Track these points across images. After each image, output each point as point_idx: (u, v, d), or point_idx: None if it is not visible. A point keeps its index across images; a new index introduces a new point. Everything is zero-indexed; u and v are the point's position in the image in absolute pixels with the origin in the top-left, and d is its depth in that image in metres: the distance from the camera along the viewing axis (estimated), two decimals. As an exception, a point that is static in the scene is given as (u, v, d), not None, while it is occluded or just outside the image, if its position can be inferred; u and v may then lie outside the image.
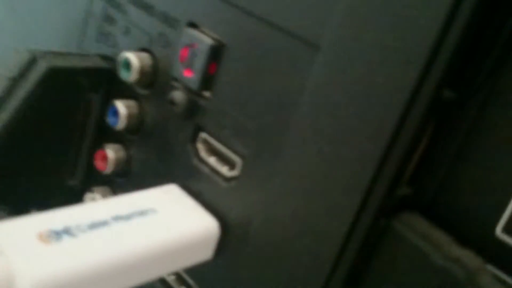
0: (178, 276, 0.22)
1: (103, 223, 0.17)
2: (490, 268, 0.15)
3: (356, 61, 0.15)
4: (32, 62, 0.21)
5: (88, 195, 0.25)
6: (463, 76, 0.15)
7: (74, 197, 0.26)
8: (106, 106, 0.24)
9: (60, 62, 0.22)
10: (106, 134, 0.24)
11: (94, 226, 0.17)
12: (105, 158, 0.24)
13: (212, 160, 0.21)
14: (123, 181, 0.24)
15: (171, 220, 0.19)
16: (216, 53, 0.19)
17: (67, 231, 0.16)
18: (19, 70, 0.21)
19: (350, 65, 0.15)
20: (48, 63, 0.21)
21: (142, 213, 0.19)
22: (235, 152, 0.20)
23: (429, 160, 0.16)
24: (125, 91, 0.23)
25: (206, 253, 0.20)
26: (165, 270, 0.19)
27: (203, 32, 0.20)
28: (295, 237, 0.17)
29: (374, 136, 0.15)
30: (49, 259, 0.15)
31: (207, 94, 0.20)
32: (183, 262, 0.19)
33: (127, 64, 0.22)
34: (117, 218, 0.18)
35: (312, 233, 0.17)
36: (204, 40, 0.19)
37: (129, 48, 0.23)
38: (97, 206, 0.18)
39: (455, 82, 0.15)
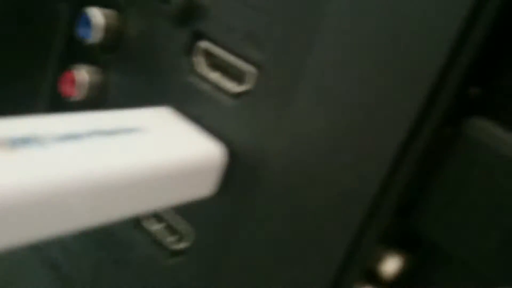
0: (168, 224, 0.19)
1: (78, 136, 0.13)
2: None
3: None
4: None
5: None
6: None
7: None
8: (77, 16, 0.19)
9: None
10: (77, 53, 0.20)
11: (67, 137, 0.13)
12: (74, 81, 0.19)
13: (215, 76, 0.17)
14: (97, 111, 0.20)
15: (164, 140, 0.15)
16: None
17: (33, 139, 0.12)
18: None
19: None
20: None
21: (128, 130, 0.15)
22: (247, 60, 0.16)
23: (501, 59, 0.13)
24: (100, -2, 0.19)
25: (208, 186, 0.16)
26: (156, 201, 0.15)
27: None
28: (331, 154, 0.14)
29: (447, 14, 0.12)
30: (6, 168, 0.11)
31: (210, -12, 0.16)
32: (179, 194, 0.15)
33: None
34: (97, 133, 0.14)
35: (355, 146, 0.13)
36: None
37: None
38: (72, 118, 0.14)
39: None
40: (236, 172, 0.16)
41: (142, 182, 0.14)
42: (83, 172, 0.12)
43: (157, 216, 0.19)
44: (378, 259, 0.14)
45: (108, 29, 0.19)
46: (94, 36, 0.19)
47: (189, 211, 0.17)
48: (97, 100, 0.20)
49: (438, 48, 0.12)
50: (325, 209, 0.14)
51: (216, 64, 0.17)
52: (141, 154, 0.14)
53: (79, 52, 0.20)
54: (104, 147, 0.14)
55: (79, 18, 0.19)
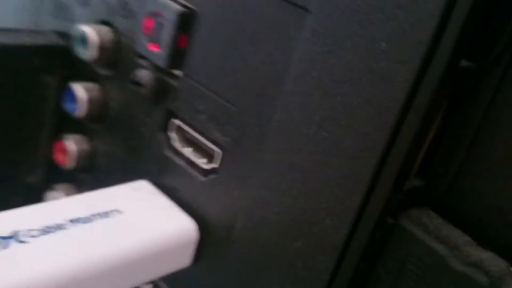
0: (155, 285, 0.20)
1: (57, 227, 0.15)
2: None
3: (352, 25, 0.13)
4: (-30, 40, 0.19)
5: (49, 194, 0.22)
6: (481, 45, 0.13)
7: (34, 196, 0.23)
8: (64, 90, 0.21)
9: (9, 39, 0.20)
10: (68, 123, 0.22)
11: (47, 230, 0.15)
12: (65, 150, 0.21)
13: (187, 151, 0.18)
14: (88, 177, 0.22)
15: (141, 222, 0.17)
16: (185, 22, 0.17)
17: (15, 237, 0.14)
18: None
19: (345, 30, 0.13)
20: (-9, 41, 0.19)
21: (105, 214, 0.17)
22: (213, 141, 0.17)
23: (442, 147, 0.14)
24: (85, 73, 0.21)
25: (183, 260, 0.18)
26: (134, 280, 0.17)
27: (170, -2, 0.18)
28: (286, 240, 0.15)
29: (377, 118, 0.13)
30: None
31: (178, 71, 0.18)
32: (156, 270, 0.17)
33: (84, 39, 0.20)
34: (75, 221, 0.16)
35: (306, 235, 0.15)
36: (171, 7, 0.17)
37: (88, 21, 0.21)
38: (51, 207, 0.16)
39: (472, 51, 0.13)
40: (208, 244, 0.18)
41: (121, 266, 0.16)
42: (66, 265, 0.14)
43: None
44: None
45: (91, 102, 0.21)
46: (79, 109, 0.20)
47: (170, 278, 0.19)
48: (87, 166, 0.22)
49: (371, 150, 0.13)
50: (283, 286, 0.15)
51: (190, 139, 0.18)
52: (118, 240, 0.16)
53: (70, 122, 0.22)
54: (84, 236, 0.15)
55: (65, 92, 0.21)
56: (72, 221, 0.16)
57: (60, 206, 0.17)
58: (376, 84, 0.13)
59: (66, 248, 0.15)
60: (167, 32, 0.17)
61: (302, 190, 0.14)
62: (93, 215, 0.16)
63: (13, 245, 0.14)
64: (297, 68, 0.14)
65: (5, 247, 0.14)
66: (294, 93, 0.14)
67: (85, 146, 0.22)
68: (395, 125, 0.13)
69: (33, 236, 0.15)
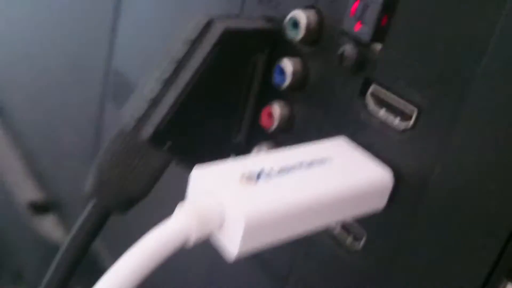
0: (345, 226, 0.24)
1: (290, 168, 0.20)
2: None
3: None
4: (209, 25, 0.24)
5: (255, 151, 0.27)
6: None
7: (239, 154, 0.28)
8: (270, 65, 0.26)
9: (234, 24, 0.25)
10: (270, 93, 0.27)
11: (283, 170, 0.19)
12: (270, 115, 0.26)
13: (382, 113, 0.22)
14: (287, 137, 0.26)
15: (347, 168, 0.21)
16: (389, 3, 0.20)
17: (263, 174, 0.19)
18: (197, 32, 0.24)
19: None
20: (224, 25, 0.24)
21: (321, 161, 0.21)
22: (410, 102, 0.20)
23: None
24: (289, 50, 0.25)
25: (379, 203, 0.21)
26: (341, 215, 0.21)
27: (376, -18, 0.21)
28: (482, 184, 0.18)
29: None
30: (253, 197, 0.17)
31: (378, 45, 0.21)
32: (357, 209, 0.21)
33: (295, 23, 0.24)
34: (301, 165, 0.20)
35: (500, 178, 0.17)
36: (378, -10, 0.20)
37: (294, 6, 0.25)
38: (280, 154, 0.21)
39: None
40: (402, 191, 0.21)
41: (335, 202, 0.20)
42: (300, 197, 0.19)
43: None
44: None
45: (295, 74, 0.25)
46: (286, 80, 0.25)
47: (363, 218, 0.22)
48: (286, 128, 0.26)
49: None
50: (472, 228, 0.18)
51: (385, 102, 0.22)
52: (333, 181, 0.20)
53: (273, 92, 0.26)
54: (309, 176, 0.20)
55: (274, 68, 0.25)
56: (299, 164, 0.20)
57: (286, 153, 0.21)
58: None
59: (299, 185, 0.19)
60: (373, 13, 0.21)
61: (503, 144, 0.17)
62: (313, 161, 0.20)
63: (262, 180, 0.19)
64: (499, 39, 0.17)
65: (257, 181, 0.19)
66: (494, 60, 0.17)
67: (287, 110, 0.26)
68: None
69: (274, 175, 0.19)
